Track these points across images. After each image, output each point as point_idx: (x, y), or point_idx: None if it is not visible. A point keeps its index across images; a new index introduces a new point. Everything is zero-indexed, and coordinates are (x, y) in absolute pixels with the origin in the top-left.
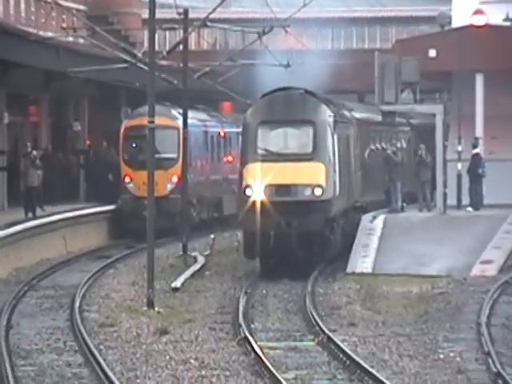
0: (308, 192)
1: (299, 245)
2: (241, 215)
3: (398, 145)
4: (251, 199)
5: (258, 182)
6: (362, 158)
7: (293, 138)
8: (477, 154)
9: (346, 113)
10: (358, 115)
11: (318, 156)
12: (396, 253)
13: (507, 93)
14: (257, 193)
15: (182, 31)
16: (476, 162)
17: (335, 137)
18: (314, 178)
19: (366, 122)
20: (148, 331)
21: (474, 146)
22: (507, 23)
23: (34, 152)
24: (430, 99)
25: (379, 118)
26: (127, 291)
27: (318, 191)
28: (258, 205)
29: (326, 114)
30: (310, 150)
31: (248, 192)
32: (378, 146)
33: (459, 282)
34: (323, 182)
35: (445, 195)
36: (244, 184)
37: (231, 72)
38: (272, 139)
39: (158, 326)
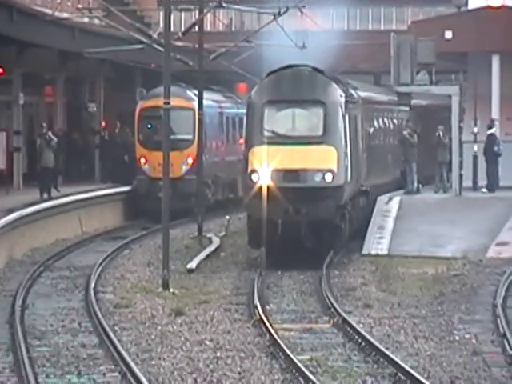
0: (318, 178)
1: (308, 234)
2: (246, 201)
3: (397, 124)
4: (257, 185)
5: (265, 166)
6: (368, 140)
7: (302, 120)
8: (492, 135)
9: (353, 92)
10: (362, 94)
11: (329, 139)
12: (411, 234)
13: None
14: (263, 178)
15: (197, 12)
16: (491, 142)
17: (346, 118)
18: (325, 162)
19: (370, 101)
20: (163, 312)
21: (489, 127)
22: None
23: (50, 132)
24: (446, 80)
25: (382, 96)
26: (142, 272)
27: (328, 177)
28: (265, 191)
29: (337, 94)
30: (320, 132)
31: (254, 177)
32: (382, 125)
33: (475, 263)
34: (334, 167)
35: (461, 177)
36: (250, 168)
37: (246, 53)
38: (279, 120)
39: (173, 307)
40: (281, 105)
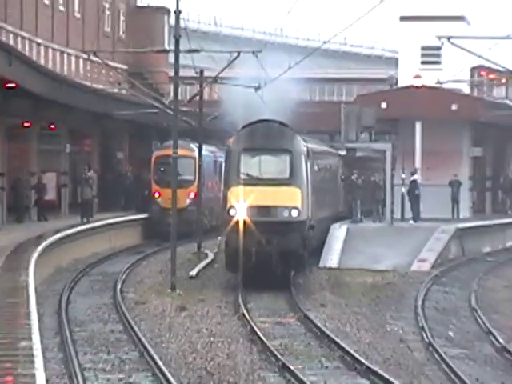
0: (286, 213)
1: (278, 261)
2: (224, 233)
3: (330, 168)
4: (235, 219)
5: (241, 202)
6: (314, 183)
7: (272, 165)
8: (414, 181)
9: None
10: (310, 146)
11: (295, 181)
12: (356, 253)
13: (438, 135)
14: (240, 213)
15: (198, 85)
16: (413, 186)
17: (308, 164)
18: (292, 200)
19: (316, 151)
20: (171, 308)
21: (412, 174)
22: (438, 85)
23: (88, 173)
24: (382, 139)
25: (323, 148)
26: (156, 278)
27: (294, 213)
28: (241, 224)
29: (301, 144)
30: (287, 175)
31: (232, 212)
32: (322, 171)
33: (402, 275)
34: (299, 205)
35: (392, 211)
36: (228, 205)
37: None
38: (253, 165)
39: (179, 304)
40: (254, 152)
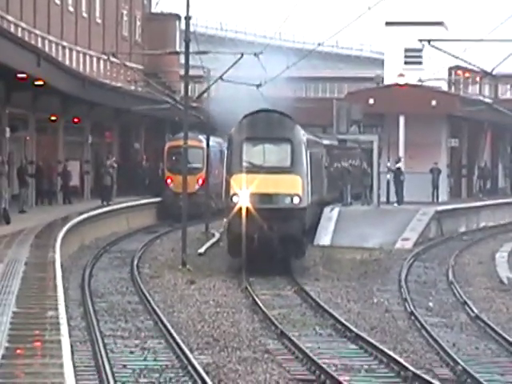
0: (287, 200)
1: (279, 246)
2: (227, 219)
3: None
4: (238, 205)
5: (244, 190)
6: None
7: (274, 153)
8: (398, 168)
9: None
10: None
11: (296, 169)
12: (346, 232)
13: (420, 128)
14: (243, 200)
15: (206, 84)
16: (398, 173)
17: (308, 153)
18: (293, 188)
19: (313, 142)
20: (182, 281)
21: (397, 162)
22: (419, 83)
23: (108, 162)
24: (369, 131)
25: (310, 137)
26: (168, 254)
27: (296, 200)
28: (244, 210)
29: (301, 134)
30: (288, 163)
31: (235, 199)
32: (313, 159)
33: (387, 252)
34: (300, 192)
35: (378, 195)
36: (231, 192)
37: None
38: (256, 153)
39: (189, 278)
40: (257, 141)
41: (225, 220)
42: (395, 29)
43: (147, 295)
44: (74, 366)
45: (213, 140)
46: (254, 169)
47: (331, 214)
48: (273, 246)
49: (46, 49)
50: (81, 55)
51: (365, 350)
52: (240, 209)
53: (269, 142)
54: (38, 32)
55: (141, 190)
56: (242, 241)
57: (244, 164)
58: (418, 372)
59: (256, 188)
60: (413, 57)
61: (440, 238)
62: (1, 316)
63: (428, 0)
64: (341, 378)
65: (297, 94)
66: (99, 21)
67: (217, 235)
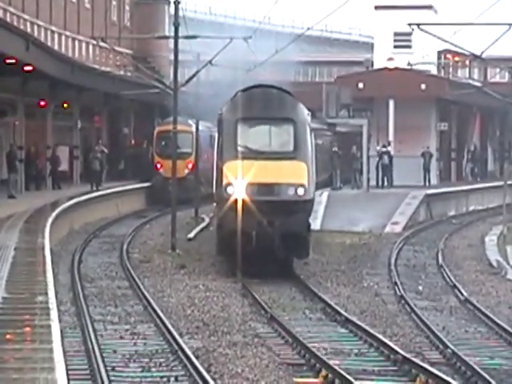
0: (291, 191)
1: (281, 245)
2: (220, 213)
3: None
4: (232, 197)
5: (240, 180)
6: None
7: (274, 136)
8: (388, 152)
9: None
10: None
11: (300, 155)
12: (336, 217)
13: (409, 112)
14: (238, 191)
15: (195, 68)
16: (385, 157)
17: (312, 135)
18: (297, 177)
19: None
20: (171, 266)
21: (384, 146)
22: (408, 67)
23: (97, 147)
24: (359, 115)
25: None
26: (158, 239)
27: (300, 191)
28: (240, 204)
29: (305, 113)
30: (291, 148)
31: (229, 190)
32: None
33: (377, 236)
34: (306, 182)
35: (368, 179)
36: (225, 182)
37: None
38: (252, 136)
39: (178, 262)
40: (253, 121)
41: (215, 205)
42: (384, 13)
43: (137, 280)
44: (64, 352)
45: (202, 124)
46: (251, 154)
47: (321, 199)
48: (273, 245)
49: (35, 34)
50: (70, 40)
51: (355, 334)
52: (235, 201)
53: (268, 122)
54: (26, 17)
55: (129, 175)
56: (236, 239)
57: (239, 149)
58: (408, 355)
59: (254, 177)
60: (402, 41)
61: (429, 222)
62: None
63: None
64: (331, 362)
65: (286, 78)
66: (88, 6)
67: (206, 220)
